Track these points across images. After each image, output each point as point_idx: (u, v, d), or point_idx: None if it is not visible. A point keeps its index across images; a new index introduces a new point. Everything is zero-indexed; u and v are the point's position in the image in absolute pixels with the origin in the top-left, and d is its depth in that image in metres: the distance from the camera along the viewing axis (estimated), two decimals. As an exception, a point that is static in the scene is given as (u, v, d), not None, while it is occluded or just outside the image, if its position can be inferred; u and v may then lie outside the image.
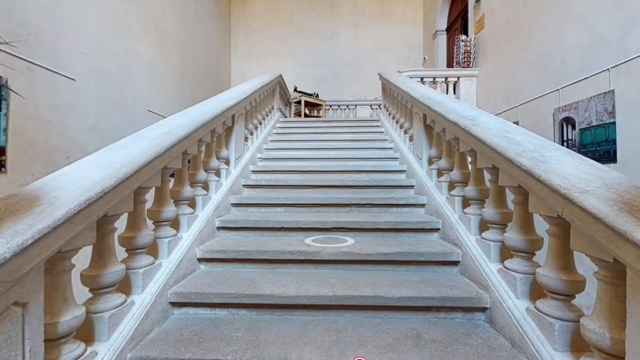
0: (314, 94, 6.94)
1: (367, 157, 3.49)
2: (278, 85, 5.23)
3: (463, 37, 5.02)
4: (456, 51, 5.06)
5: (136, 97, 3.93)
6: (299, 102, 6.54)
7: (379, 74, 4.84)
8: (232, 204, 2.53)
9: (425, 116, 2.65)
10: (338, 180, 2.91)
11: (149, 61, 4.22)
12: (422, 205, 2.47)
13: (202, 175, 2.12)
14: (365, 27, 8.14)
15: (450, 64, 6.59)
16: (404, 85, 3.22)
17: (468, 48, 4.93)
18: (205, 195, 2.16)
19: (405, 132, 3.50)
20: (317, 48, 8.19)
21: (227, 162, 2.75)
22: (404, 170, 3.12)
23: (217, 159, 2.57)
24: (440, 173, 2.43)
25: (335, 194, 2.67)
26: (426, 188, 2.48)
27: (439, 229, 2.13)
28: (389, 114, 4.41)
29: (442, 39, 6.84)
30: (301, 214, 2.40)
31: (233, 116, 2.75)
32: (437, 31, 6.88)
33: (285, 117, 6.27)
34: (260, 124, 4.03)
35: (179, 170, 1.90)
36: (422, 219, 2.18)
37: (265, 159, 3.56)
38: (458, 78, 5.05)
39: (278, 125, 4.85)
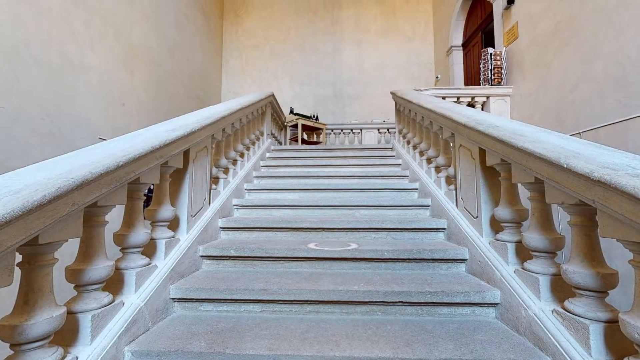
0: (313, 116, 6.08)
1: (386, 205, 2.52)
2: (269, 107, 4.37)
3: (491, 49, 4.19)
4: (483, 67, 4.22)
5: (80, 122, 3.02)
6: (295, 126, 5.67)
7: (392, 93, 3.98)
8: (173, 299, 1.53)
9: (482, 153, 1.71)
10: (347, 245, 1.91)
11: (103, 76, 3.36)
12: (493, 305, 1.46)
13: (99, 269, 1.13)
14: (370, 44, 7.44)
15: (469, 82, 5.79)
16: (437, 107, 2.30)
17: (499, 62, 4.09)
18: (97, 310, 1.16)
19: (438, 170, 2.54)
20: (317, 66, 7.45)
21: (174, 224, 1.77)
22: (444, 229, 2.13)
23: (154, 222, 1.60)
24: (523, 253, 1.45)
25: (344, 277, 1.66)
26: (495, 273, 1.48)
27: (546, 376, 1.11)
28: (407, 142, 3.48)
29: (458, 55, 6.07)
30: (285, 325, 1.39)
31: (187, 152, 1.81)
32: (451, 47, 6.12)
33: (280, 143, 5.38)
34: (242, 155, 3.10)
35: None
36: (512, 354, 1.16)
37: (244, 206, 2.59)
38: (487, 97, 4.17)
39: (268, 155, 3.92)
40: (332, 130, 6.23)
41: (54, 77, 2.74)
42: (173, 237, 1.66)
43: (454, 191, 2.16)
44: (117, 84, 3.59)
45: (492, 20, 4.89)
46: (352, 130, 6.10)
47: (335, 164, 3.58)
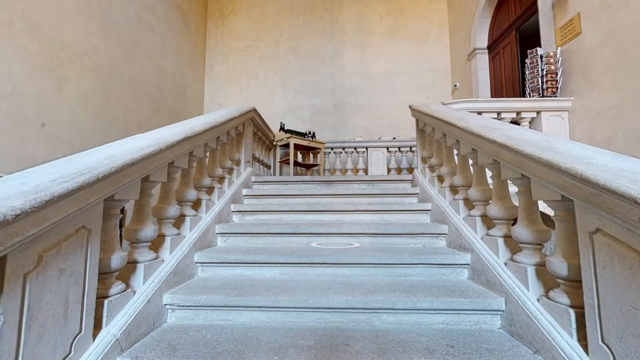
0: (309, 133, 5.07)
1: (426, 309, 1.47)
2: (251, 125, 3.36)
3: (540, 50, 3.19)
4: (530, 73, 3.22)
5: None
6: (287, 145, 4.66)
7: (411, 108, 2.98)
8: None
9: None
10: None
11: (3, 86, 2.35)
12: None
13: None
14: (375, 47, 6.48)
15: (498, 92, 4.80)
16: (530, 148, 1.28)
17: (552, 67, 3.10)
18: None
19: (512, 245, 1.52)
20: (314, 72, 6.48)
21: None
22: (555, 391, 1.08)
23: None
24: None
25: None
26: None
27: None
28: (440, 179, 2.47)
29: (483, 60, 5.10)
30: None
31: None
32: (475, 50, 5.15)
33: (269, 167, 4.36)
34: (198, 205, 2.07)
35: None
36: None
37: (183, 307, 1.53)
38: (538, 113, 3.16)
39: (245, 192, 2.90)
40: (332, 149, 5.22)
41: None
42: None
43: (569, 309, 1.13)
44: (33, 96, 2.59)
45: (533, 14, 3.92)
46: (355, 149, 5.09)
47: (337, 207, 2.54)
